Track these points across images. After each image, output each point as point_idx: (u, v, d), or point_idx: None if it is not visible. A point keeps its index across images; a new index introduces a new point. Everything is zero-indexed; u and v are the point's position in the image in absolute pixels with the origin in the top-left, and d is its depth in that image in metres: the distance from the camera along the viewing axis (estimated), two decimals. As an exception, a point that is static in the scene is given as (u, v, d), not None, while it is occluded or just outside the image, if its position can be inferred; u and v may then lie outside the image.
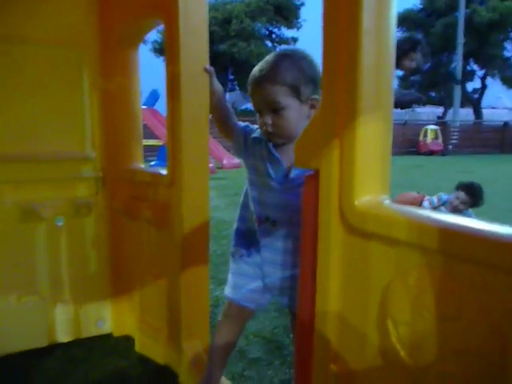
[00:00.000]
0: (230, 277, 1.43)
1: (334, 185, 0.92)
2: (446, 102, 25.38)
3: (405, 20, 25.46)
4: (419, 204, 3.71)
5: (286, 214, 1.29)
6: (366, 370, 0.87)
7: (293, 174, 1.27)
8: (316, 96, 1.26)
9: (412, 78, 26.93)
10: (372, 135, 0.88)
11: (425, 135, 18.33)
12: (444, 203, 3.61)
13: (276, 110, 1.23)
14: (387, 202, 0.89)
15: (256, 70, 1.28)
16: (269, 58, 1.28)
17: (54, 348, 1.95)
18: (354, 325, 0.91)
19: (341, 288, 0.93)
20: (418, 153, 17.89)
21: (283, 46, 25.38)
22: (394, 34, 0.90)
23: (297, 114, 1.25)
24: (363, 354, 0.88)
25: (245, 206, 1.41)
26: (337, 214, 0.92)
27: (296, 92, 1.22)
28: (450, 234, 0.71)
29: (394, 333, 0.80)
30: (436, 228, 0.72)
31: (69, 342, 1.99)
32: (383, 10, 0.88)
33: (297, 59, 1.26)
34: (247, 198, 1.40)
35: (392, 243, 0.80)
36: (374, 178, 0.90)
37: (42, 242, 1.93)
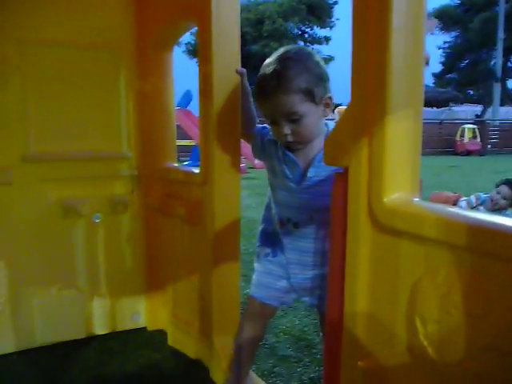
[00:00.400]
0: (254, 276, 1.44)
1: (363, 182, 0.93)
2: (484, 100, 24.53)
3: (442, 16, 24.80)
4: (453, 204, 3.62)
5: (307, 215, 1.28)
6: (394, 366, 0.88)
7: (310, 173, 1.26)
8: (328, 94, 1.24)
9: (449, 75, 26.21)
10: (401, 133, 0.89)
11: (462, 134, 17.78)
12: (483, 202, 3.50)
13: (293, 118, 1.20)
14: (416, 199, 0.89)
15: (263, 79, 1.23)
16: (273, 64, 1.21)
17: (92, 340, 2.03)
18: (383, 322, 0.91)
19: (369, 285, 0.94)
20: (454, 153, 17.39)
21: (316, 46, 25.24)
22: (424, 31, 0.90)
23: (314, 118, 1.22)
24: (391, 351, 0.89)
25: (268, 207, 1.42)
26: (366, 212, 0.93)
27: (311, 96, 1.19)
28: (478, 231, 0.71)
29: (422, 330, 0.80)
30: (464, 225, 0.72)
31: (105, 335, 2.07)
32: (413, 7, 0.88)
33: (303, 61, 1.21)
34: (270, 199, 1.41)
35: (421, 241, 0.81)
36: (404, 176, 0.90)
37: (81, 238, 2.02)
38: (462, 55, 25.59)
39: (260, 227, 1.46)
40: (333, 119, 3.45)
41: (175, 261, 1.94)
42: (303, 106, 1.19)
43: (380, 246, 0.91)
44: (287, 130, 1.21)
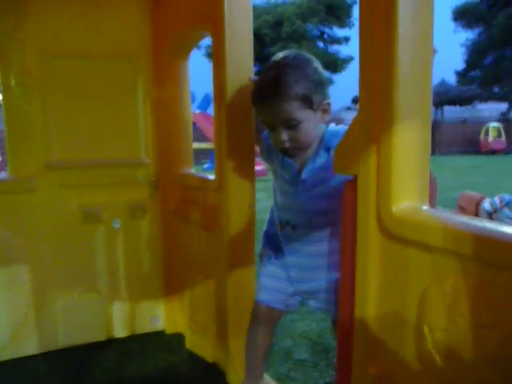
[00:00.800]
0: (259, 280, 1.44)
1: (371, 191, 0.94)
2: (510, 97, 23.94)
3: (464, 13, 24.35)
4: (475, 205, 3.54)
5: (305, 217, 1.28)
6: (403, 373, 0.88)
7: (304, 174, 1.26)
8: (327, 100, 1.23)
9: (472, 73, 25.67)
10: (409, 142, 0.89)
11: (486, 133, 17.41)
12: (508, 204, 3.40)
13: (291, 125, 1.20)
14: (425, 208, 0.89)
15: (261, 85, 1.24)
16: (271, 70, 1.23)
17: (112, 342, 2.08)
18: (392, 329, 0.92)
19: (379, 293, 0.94)
20: (478, 152, 17.04)
21: (335, 46, 25.13)
22: (431, 38, 0.90)
23: (312, 124, 1.22)
24: (400, 358, 0.89)
25: (272, 210, 1.44)
26: (374, 220, 0.94)
27: (309, 103, 1.18)
28: (485, 240, 0.71)
29: (429, 338, 0.81)
30: (472, 235, 0.72)
31: (125, 337, 2.12)
32: (420, 13, 0.88)
33: (301, 67, 1.21)
34: (274, 202, 1.43)
35: (428, 250, 0.81)
36: (412, 184, 0.91)
37: (101, 243, 2.07)
38: (486, 52, 25.02)
39: (264, 229, 1.48)
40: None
41: (192, 265, 1.97)
42: (301, 113, 1.18)
43: (389, 255, 0.91)
44: (285, 136, 1.21)
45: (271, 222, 1.44)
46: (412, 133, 0.89)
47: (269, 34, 22.98)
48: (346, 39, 25.32)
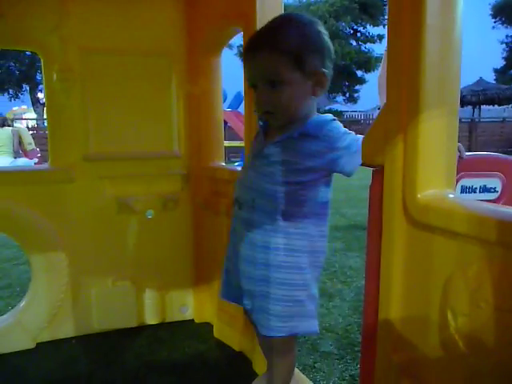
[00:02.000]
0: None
1: (397, 179, 0.95)
2: (552, 96, 22.95)
3: (503, 9, 23.51)
4: None
5: (249, 195, 1.14)
6: (427, 360, 0.89)
7: (268, 149, 1.12)
8: (324, 69, 1.07)
9: (512, 71, 24.75)
10: (436, 130, 0.90)
11: (526, 133, 16.77)
12: None
13: (274, 83, 1.04)
14: (451, 195, 0.90)
15: (255, 33, 1.11)
16: (271, 21, 1.10)
17: (142, 329, 2.15)
18: (416, 315, 0.93)
19: (404, 281, 0.96)
20: (517, 153, 16.44)
21: (368, 45, 24.76)
22: (460, 28, 0.91)
23: (299, 91, 1.06)
24: (424, 345, 0.90)
25: None
26: (400, 208, 0.95)
27: (299, 63, 1.03)
28: (509, 226, 0.71)
29: (453, 323, 0.82)
30: (495, 220, 0.73)
31: (155, 325, 2.19)
32: (449, 3, 0.89)
33: (302, 24, 1.08)
34: None
35: (453, 236, 0.82)
36: (438, 172, 0.92)
37: (134, 233, 2.15)
38: (527, 49, 24.12)
39: None
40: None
41: (221, 256, 2.01)
42: (288, 72, 1.03)
43: (414, 242, 0.93)
44: (265, 95, 1.06)
45: None
46: (439, 121, 0.90)
47: (301, 32, 22.89)
48: (380, 37, 24.87)
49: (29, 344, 1.99)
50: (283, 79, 1.04)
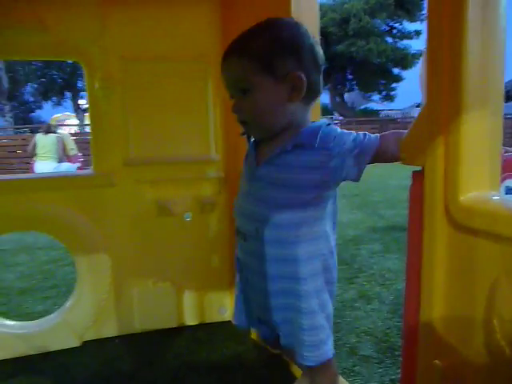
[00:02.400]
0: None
1: (439, 181, 0.93)
2: None
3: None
4: None
5: (252, 226, 1.06)
6: (471, 366, 0.87)
7: (260, 170, 1.05)
8: (299, 72, 0.97)
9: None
10: (479, 131, 0.88)
11: None
12: None
13: (245, 90, 0.98)
14: (495, 197, 0.87)
15: (228, 46, 1.06)
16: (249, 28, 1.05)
17: (182, 329, 2.20)
18: (460, 320, 0.90)
19: (446, 284, 0.93)
20: None
21: (406, 41, 24.22)
22: (503, 24, 0.88)
23: (272, 96, 0.98)
24: (468, 350, 0.88)
25: None
26: (442, 211, 0.93)
27: (268, 66, 0.96)
28: (559, 229, 0.69)
29: (499, 329, 0.79)
30: (544, 223, 0.70)
31: (194, 325, 2.23)
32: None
33: (278, 27, 1.02)
34: None
35: (497, 239, 0.79)
36: (481, 174, 0.89)
37: (174, 235, 2.19)
38: None
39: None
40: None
41: (258, 258, 2.03)
42: (256, 77, 0.97)
43: (457, 245, 0.90)
44: (237, 104, 1.01)
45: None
46: (482, 121, 0.87)
47: (334, 32, 22.67)
48: (418, 33, 24.28)
49: (75, 342, 2.07)
50: (253, 85, 0.98)
